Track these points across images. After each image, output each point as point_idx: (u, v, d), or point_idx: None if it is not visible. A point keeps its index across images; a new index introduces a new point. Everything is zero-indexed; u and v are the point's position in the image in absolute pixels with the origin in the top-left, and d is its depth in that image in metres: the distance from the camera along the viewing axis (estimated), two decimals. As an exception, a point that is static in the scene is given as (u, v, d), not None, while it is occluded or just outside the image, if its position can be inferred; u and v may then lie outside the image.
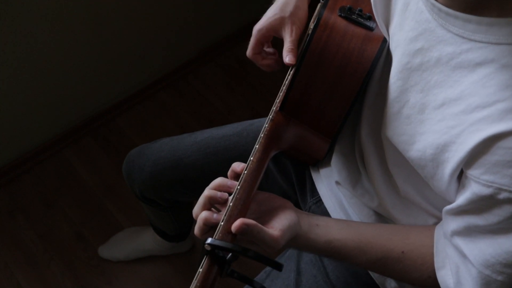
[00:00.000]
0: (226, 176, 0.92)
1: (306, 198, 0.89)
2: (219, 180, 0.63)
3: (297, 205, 0.93)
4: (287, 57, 0.72)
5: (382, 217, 0.76)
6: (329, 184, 0.83)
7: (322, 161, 0.84)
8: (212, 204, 0.62)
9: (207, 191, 0.62)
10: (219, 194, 0.61)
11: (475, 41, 0.52)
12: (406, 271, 0.66)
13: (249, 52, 0.78)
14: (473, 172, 0.53)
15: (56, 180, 1.60)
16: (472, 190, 0.53)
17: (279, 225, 0.60)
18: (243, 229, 0.56)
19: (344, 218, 0.81)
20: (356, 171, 0.77)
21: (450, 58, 0.54)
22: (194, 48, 1.82)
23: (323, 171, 0.84)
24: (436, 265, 0.64)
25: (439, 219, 0.69)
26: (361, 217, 0.78)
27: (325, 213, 0.83)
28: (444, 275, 0.62)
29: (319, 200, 0.85)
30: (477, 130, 0.51)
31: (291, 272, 0.83)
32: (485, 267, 0.56)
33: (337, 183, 0.80)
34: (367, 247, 0.66)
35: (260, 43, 0.77)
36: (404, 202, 0.71)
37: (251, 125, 0.95)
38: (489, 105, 0.51)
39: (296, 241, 0.63)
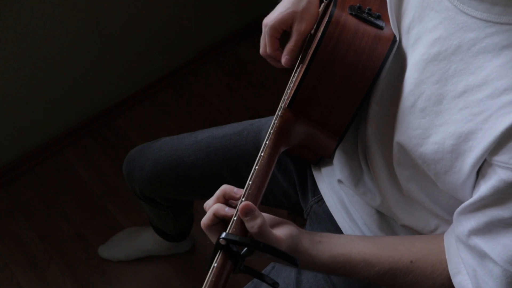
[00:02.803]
0: (226, 176, 0.93)
1: (307, 198, 0.89)
2: (225, 187, 0.63)
3: (298, 205, 0.94)
4: (284, 58, 0.72)
5: (384, 216, 0.76)
6: (330, 182, 0.83)
7: (324, 160, 0.84)
8: (227, 199, 0.62)
9: (224, 186, 0.62)
10: (235, 189, 0.61)
11: (501, 23, 0.51)
12: (417, 281, 0.64)
13: (268, 50, 0.76)
14: (500, 158, 0.52)
15: (56, 180, 1.60)
16: (499, 177, 0.52)
17: (279, 231, 0.61)
18: (250, 209, 0.56)
19: (346, 216, 0.81)
20: (359, 169, 0.76)
21: (472, 44, 0.54)
22: (194, 48, 1.82)
23: (325, 170, 0.84)
24: (451, 272, 0.62)
25: (441, 219, 0.69)
26: (363, 216, 0.78)
27: (326, 212, 0.83)
28: (461, 280, 0.61)
29: (321, 199, 0.85)
30: (508, 113, 0.50)
31: (291, 271, 0.83)
32: (511, 264, 0.54)
33: (339, 181, 0.80)
34: (373, 259, 0.64)
35: (275, 38, 0.76)
36: (407, 201, 0.70)
37: (252, 125, 0.95)
38: None
39: (298, 257, 0.62)
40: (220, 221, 0.60)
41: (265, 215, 0.64)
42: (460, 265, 0.61)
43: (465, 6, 0.54)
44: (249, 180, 0.62)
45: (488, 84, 0.52)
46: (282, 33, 0.77)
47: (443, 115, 0.57)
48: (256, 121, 0.97)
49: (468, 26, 0.54)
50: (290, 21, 0.74)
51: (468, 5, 0.53)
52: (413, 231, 0.73)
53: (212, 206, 0.60)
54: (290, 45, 0.73)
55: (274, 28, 0.75)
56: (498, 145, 0.52)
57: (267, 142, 0.66)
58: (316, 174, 0.86)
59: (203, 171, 0.93)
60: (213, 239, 0.60)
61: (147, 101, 1.77)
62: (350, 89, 0.66)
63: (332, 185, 0.82)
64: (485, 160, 0.54)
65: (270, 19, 0.75)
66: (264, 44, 0.77)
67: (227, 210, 0.59)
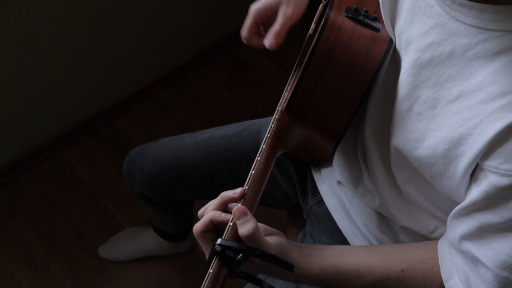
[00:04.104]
0: (226, 176, 0.93)
1: (307, 199, 0.89)
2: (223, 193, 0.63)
3: (297, 206, 0.94)
4: (268, 40, 0.69)
5: (383, 217, 0.76)
6: (330, 184, 0.83)
7: (324, 161, 0.84)
8: (227, 203, 0.62)
9: (222, 193, 0.62)
10: (233, 190, 0.61)
11: (492, 30, 0.51)
12: None
13: (245, 33, 0.75)
14: (491, 163, 0.52)
15: (56, 180, 1.60)
16: (490, 182, 0.52)
17: (270, 239, 0.61)
18: (243, 211, 0.57)
19: (345, 218, 0.81)
20: (358, 171, 0.76)
21: (465, 50, 0.54)
22: (194, 48, 1.82)
23: (325, 171, 0.84)
24: (443, 276, 0.62)
25: (440, 220, 0.69)
26: (362, 217, 0.78)
27: (326, 213, 0.83)
28: (454, 285, 0.61)
29: (320, 200, 0.85)
30: (498, 119, 0.50)
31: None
32: (503, 269, 0.54)
33: (338, 182, 0.80)
34: (364, 269, 0.64)
35: (256, 23, 0.74)
36: (406, 203, 0.70)
37: (251, 125, 0.95)
38: (511, 92, 0.50)
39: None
40: (213, 229, 0.60)
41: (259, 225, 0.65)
42: (453, 269, 0.61)
43: (456, 12, 0.54)
44: (245, 185, 0.62)
45: (481, 89, 0.52)
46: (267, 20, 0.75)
47: (437, 119, 0.57)
48: (256, 121, 0.97)
49: (460, 32, 0.54)
50: (276, 6, 0.72)
51: (459, 11, 0.53)
52: (412, 232, 0.73)
53: (210, 212, 0.60)
54: (275, 28, 0.70)
55: (258, 12, 0.73)
56: (488, 150, 0.52)
57: (263, 146, 0.66)
58: (316, 175, 0.86)
59: (203, 172, 0.93)
60: (204, 246, 0.60)
61: (147, 101, 1.77)
62: (347, 92, 0.66)
63: (332, 186, 0.82)
64: (477, 164, 0.54)
65: (256, 4, 0.74)
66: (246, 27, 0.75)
67: (223, 216, 0.59)
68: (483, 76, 0.52)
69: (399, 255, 0.66)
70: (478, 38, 0.52)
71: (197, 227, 0.60)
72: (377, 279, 0.64)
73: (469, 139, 0.53)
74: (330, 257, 0.65)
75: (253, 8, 0.74)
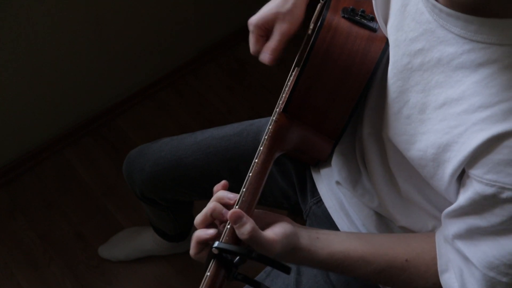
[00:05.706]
0: (225, 176, 0.93)
1: (306, 199, 0.89)
2: (220, 193, 0.63)
3: (297, 206, 0.94)
4: (264, 55, 0.71)
5: (382, 217, 0.76)
6: (329, 184, 0.83)
7: (322, 162, 0.84)
8: (217, 214, 0.61)
9: (218, 194, 0.62)
10: (229, 195, 0.61)
11: (477, 41, 0.52)
12: (411, 279, 0.66)
13: (254, 49, 0.76)
14: (475, 172, 0.53)
15: (56, 180, 1.60)
16: (475, 189, 0.54)
17: (273, 232, 0.60)
18: (238, 216, 0.57)
19: (344, 218, 0.81)
20: (357, 171, 0.77)
21: (451, 58, 0.54)
22: (194, 48, 1.82)
23: (324, 171, 0.84)
24: (439, 269, 0.64)
25: (438, 220, 0.69)
26: (361, 217, 0.78)
27: (325, 213, 0.84)
28: (448, 278, 0.62)
29: (320, 200, 0.85)
30: (480, 130, 0.51)
31: (291, 272, 0.83)
32: (489, 270, 0.56)
33: (337, 183, 0.80)
34: (370, 257, 0.65)
35: (259, 36, 0.76)
36: (405, 202, 0.71)
37: (251, 125, 0.95)
38: (492, 105, 0.51)
39: (296, 254, 0.63)
40: (206, 246, 0.60)
41: (260, 211, 0.65)
42: (449, 263, 0.63)
43: (443, 21, 0.54)
44: (243, 187, 0.62)
45: (465, 99, 0.53)
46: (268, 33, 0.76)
47: (426, 124, 0.58)
48: (256, 121, 0.97)
49: (448, 41, 0.54)
50: (272, 21, 0.73)
51: (446, 20, 0.54)
52: (411, 233, 0.73)
53: (194, 233, 0.60)
54: (271, 44, 0.72)
55: (257, 26, 0.74)
56: (472, 159, 0.53)
57: (261, 148, 0.66)
58: (315, 176, 0.86)
59: (203, 172, 0.93)
60: (201, 260, 0.60)
61: (147, 101, 1.77)
62: (345, 93, 0.66)
63: (331, 186, 0.82)
64: (463, 170, 0.56)
65: (253, 18, 0.75)
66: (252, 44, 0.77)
67: (209, 233, 0.59)
68: (467, 86, 0.53)
69: (404, 245, 0.67)
70: (464, 48, 0.53)
71: (191, 252, 0.61)
72: (382, 267, 0.65)
73: (455, 147, 0.54)
74: (339, 243, 0.66)
75: (252, 24, 0.75)
